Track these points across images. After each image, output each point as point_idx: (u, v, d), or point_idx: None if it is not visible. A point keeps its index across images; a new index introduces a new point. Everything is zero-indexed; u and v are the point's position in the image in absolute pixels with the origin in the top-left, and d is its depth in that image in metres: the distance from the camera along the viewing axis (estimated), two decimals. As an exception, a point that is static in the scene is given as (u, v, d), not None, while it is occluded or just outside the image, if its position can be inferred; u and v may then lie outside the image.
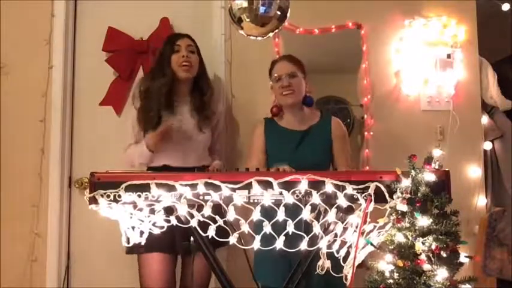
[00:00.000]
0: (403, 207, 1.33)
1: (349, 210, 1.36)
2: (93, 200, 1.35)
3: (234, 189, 1.33)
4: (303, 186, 1.33)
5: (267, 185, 1.33)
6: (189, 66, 2.15)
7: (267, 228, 1.31)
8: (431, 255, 1.30)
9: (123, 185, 1.34)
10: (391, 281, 1.35)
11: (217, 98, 2.47)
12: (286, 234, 1.34)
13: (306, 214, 1.32)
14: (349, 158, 2.19)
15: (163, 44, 2.23)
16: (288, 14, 1.77)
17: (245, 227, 1.33)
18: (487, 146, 2.76)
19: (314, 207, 1.35)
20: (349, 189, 1.32)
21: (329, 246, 1.40)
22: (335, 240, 1.39)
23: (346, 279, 1.45)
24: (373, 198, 1.32)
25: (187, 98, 2.22)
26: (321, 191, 1.33)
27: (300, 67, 2.16)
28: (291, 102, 2.14)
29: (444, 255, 1.30)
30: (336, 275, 1.46)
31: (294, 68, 2.13)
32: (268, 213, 1.32)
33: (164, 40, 2.25)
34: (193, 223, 1.36)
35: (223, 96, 2.58)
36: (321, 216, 1.37)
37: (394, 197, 1.35)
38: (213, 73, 2.55)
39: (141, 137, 2.14)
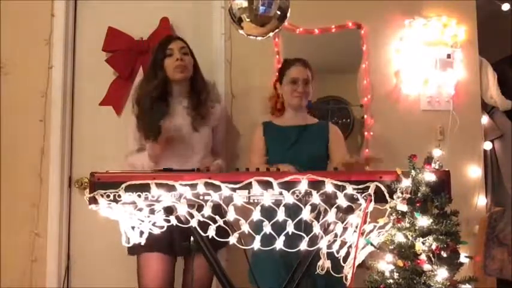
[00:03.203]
0: (403, 207, 1.33)
1: (349, 210, 1.36)
2: (93, 200, 1.35)
3: (234, 189, 1.33)
4: (303, 186, 1.33)
5: (267, 185, 1.33)
6: (183, 67, 2.16)
7: (267, 228, 1.31)
8: (431, 255, 1.30)
9: (123, 185, 1.34)
10: (391, 281, 1.35)
11: (216, 99, 2.45)
12: (286, 234, 1.34)
13: (306, 214, 1.32)
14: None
15: (156, 48, 2.22)
16: (288, 14, 1.77)
17: (245, 227, 1.33)
18: (487, 146, 2.76)
19: (314, 207, 1.35)
20: (349, 189, 1.32)
21: (329, 246, 1.40)
22: (335, 240, 1.39)
23: (346, 279, 1.45)
24: (373, 198, 1.32)
25: (182, 99, 2.21)
26: (321, 191, 1.33)
27: (312, 74, 2.29)
28: (298, 105, 2.27)
29: (444, 255, 1.30)
30: (336, 275, 1.46)
31: (309, 75, 2.27)
32: (268, 213, 1.32)
33: (156, 44, 2.24)
34: (193, 223, 1.36)
35: (222, 100, 2.56)
36: (321, 216, 1.37)
37: (394, 197, 1.35)
38: (213, 76, 2.55)
39: (143, 143, 2.11)
